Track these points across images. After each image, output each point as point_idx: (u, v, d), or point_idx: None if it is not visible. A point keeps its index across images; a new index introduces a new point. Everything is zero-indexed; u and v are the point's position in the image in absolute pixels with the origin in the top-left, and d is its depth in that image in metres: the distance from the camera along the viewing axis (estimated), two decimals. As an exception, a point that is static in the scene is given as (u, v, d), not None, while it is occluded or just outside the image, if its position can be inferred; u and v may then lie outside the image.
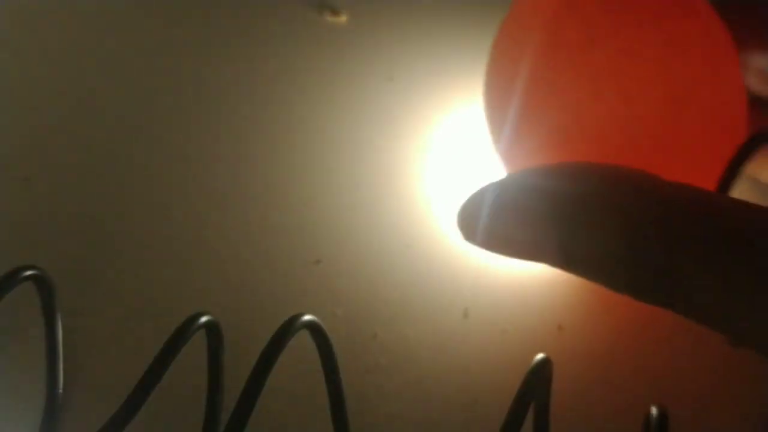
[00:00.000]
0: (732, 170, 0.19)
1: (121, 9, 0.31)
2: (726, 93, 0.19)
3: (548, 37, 0.19)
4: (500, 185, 0.18)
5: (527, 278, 0.25)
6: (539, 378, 0.19)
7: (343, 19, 0.29)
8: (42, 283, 0.22)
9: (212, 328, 0.22)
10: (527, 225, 0.16)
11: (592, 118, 0.19)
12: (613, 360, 0.23)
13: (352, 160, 0.27)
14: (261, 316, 0.24)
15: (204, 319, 0.21)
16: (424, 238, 0.25)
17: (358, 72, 0.28)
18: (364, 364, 0.23)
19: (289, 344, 0.20)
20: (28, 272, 0.22)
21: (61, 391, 0.23)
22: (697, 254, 0.13)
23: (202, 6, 0.30)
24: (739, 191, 0.19)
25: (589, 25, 0.18)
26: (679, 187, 0.15)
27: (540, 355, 0.19)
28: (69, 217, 0.26)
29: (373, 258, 0.25)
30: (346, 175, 0.27)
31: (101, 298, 0.25)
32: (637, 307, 0.20)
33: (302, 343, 0.21)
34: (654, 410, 0.19)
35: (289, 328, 0.20)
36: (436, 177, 0.27)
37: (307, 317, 0.21)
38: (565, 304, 0.24)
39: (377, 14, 0.29)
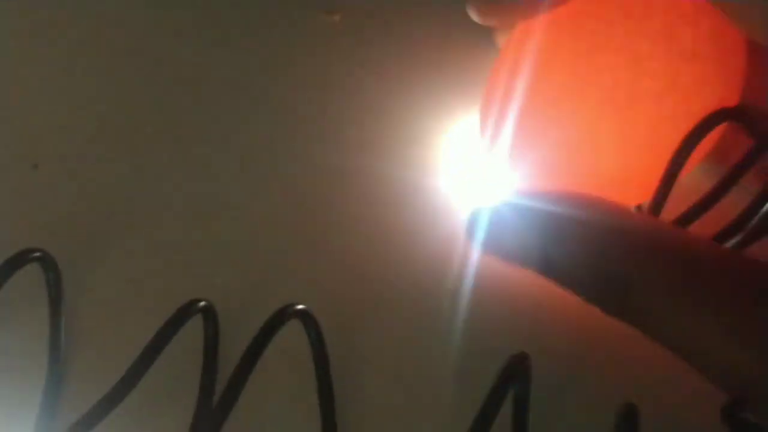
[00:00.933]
0: (685, 150, 0.19)
1: (129, 7, 0.31)
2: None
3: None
4: (500, 204, 0.21)
5: (507, 273, 0.25)
6: (519, 369, 0.20)
7: (336, 17, 0.30)
8: (48, 264, 0.23)
9: (208, 314, 0.23)
10: (518, 237, 0.19)
11: (585, 157, 0.20)
12: (588, 354, 0.24)
13: (341, 152, 0.28)
14: (259, 303, 0.25)
15: (201, 304, 0.22)
16: (409, 231, 0.26)
17: (349, 68, 0.29)
18: (356, 343, 0.24)
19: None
20: (35, 254, 0.23)
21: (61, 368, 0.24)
22: (650, 279, 0.16)
23: (202, 6, 0.30)
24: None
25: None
26: (642, 221, 0.18)
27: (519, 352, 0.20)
28: (75, 204, 0.27)
29: (366, 239, 0.26)
30: (335, 167, 0.27)
31: (104, 281, 0.26)
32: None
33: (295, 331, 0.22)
34: (625, 406, 0.20)
35: (280, 316, 0.21)
36: (422, 169, 0.27)
37: (299, 306, 0.22)
38: (543, 300, 0.25)
39: (369, 13, 0.30)
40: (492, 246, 0.21)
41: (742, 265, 0.16)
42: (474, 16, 0.22)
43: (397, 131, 0.28)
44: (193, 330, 0.23)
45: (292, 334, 0.22)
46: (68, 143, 0.28)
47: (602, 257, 0.17)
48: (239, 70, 0.30)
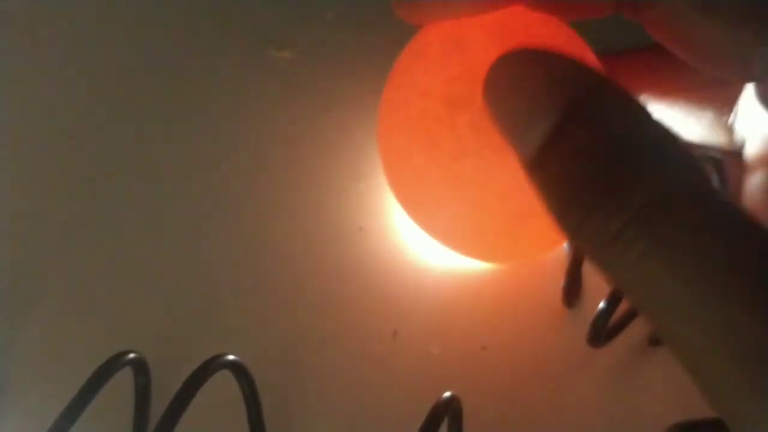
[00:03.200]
0: None
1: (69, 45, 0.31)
2: None
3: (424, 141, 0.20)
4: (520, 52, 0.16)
5: (454, 300, 0.25)
6: (446, 411, 0.20)
7: (286, 53, 0.30)
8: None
9: (139, 366, 0.22)
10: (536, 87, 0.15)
11: (460, 219, 0.21)
12: (534, 379, 0.24)
13: (289, 188, 0.27)
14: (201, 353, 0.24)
15: (130, 356, 0.22)
16: (355, 262, 0.26)
17: (299, 102, 0.29)
18: (292, 387, 0.24)
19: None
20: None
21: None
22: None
23: (150, 43, 0.30)
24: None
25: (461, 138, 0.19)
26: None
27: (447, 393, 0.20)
28: (5, 250, 0.27)
29: (306, 282, 0.26)
30: (283, 203, 0.27)
31: (36, 331, 0.25)
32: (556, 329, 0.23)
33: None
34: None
35: (207, 368, 0.20)
36: (367, 205, 0.27)
37: (230, 357, 0.21)
38: (489, 326, 0.25)
39: (319, 50, 0.30)
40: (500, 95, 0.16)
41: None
42: (399, 14, 0.21)
43: (348, 170, 0.28)
44: (129, 380, 0.22)
45: (227, 385, 0.22)
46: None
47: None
48: (184, 108, 0.29)
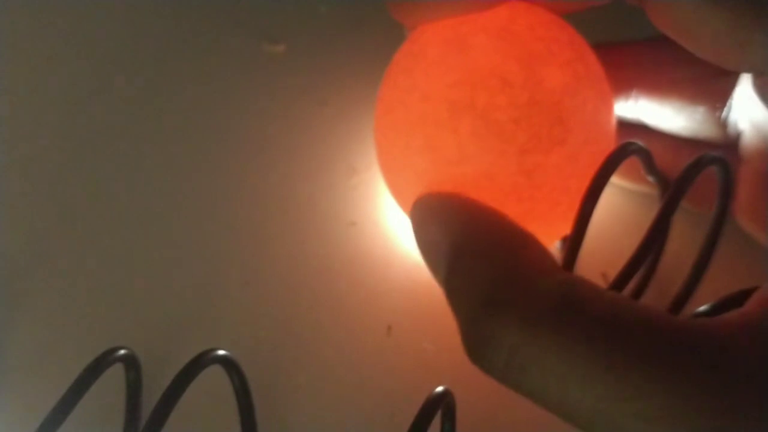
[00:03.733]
0: (600, 179, 0.18)
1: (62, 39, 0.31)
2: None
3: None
4: (424, 197, 0.19)
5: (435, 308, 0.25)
6: (439, 406, 0.20)
7: (280, 48, 0.30)
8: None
9: (129, 362, 0.22)
10: (432, 236, 0.18)
11: None
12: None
13: (281, 182, 0.27)
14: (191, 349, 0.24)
15: (121, 352, 0.22)
16: (348, 257, 0.26)
17: (292, 96, 0.29)
18: (285, 383, 0.24)
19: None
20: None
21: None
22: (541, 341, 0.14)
23: (143, 35, 0.30)
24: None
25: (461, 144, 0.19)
26: (529, 264, 0.16)
27: (440, 388, 0.20)
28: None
29: (298, 277, 0.26)
30: (275, 197, 0.27)
31: (26, 327, 0.25)
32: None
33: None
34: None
35: (198, 362, 0.20)
36: (361, 201, 0.27)
37: (220, 352, 0.21)
38: None
39: (314, 44, 0.30)
40: (416, 239, 0.19)
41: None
42: (394, 15, 0.21)
43: (341, 165, 0.28)
44: (121, 376, 0.22)
45: (218, 379, 0.22)
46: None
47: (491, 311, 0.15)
48: (177, 102, 0.29)
